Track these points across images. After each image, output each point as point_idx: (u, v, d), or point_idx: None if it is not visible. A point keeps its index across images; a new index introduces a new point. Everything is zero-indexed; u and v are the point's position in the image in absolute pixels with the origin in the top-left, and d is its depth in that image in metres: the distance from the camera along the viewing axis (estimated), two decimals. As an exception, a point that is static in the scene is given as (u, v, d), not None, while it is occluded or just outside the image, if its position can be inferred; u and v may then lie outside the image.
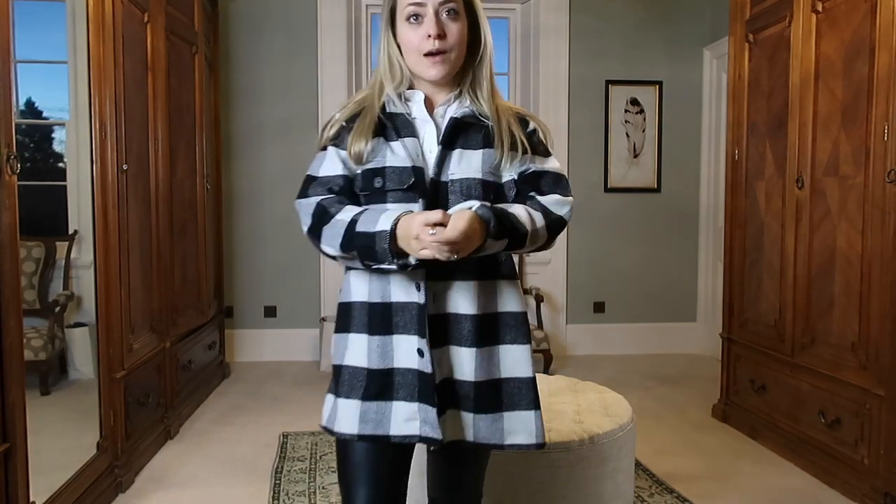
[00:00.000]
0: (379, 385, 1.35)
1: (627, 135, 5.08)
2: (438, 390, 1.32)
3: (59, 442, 2.59)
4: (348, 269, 1.40)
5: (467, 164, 1.34)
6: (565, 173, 1.45)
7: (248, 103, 4.75)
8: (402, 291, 1.34)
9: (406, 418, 1.33)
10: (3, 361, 1.88)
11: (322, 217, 1.32)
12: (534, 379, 1.41)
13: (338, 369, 1.39)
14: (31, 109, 3.11)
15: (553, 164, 1.43)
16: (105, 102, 2.61)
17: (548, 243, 1.39)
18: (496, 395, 1.38)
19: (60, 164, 3.17)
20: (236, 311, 4.87)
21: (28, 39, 2.61)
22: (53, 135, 3.20)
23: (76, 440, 2.58)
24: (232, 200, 4.78)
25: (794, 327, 3.06)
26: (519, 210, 1.33)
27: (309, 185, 1.38)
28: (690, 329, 5.20)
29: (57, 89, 3.00)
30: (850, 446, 2.70)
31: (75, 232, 3.05)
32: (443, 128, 1.37)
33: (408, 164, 1.33)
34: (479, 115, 1.38)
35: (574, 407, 2.28)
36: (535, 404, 1.40)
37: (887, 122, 2.49)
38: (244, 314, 4.88)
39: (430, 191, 1.32)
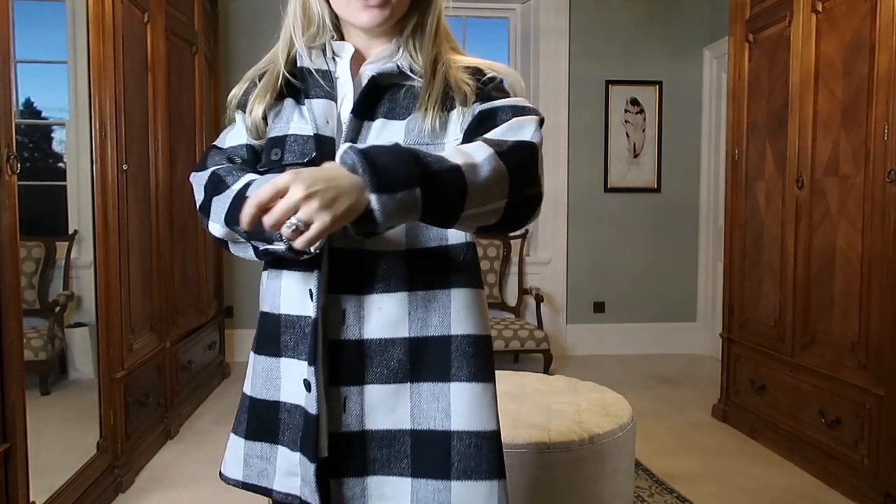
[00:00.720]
0: (262, 421, 1.05)
1: (627, 135, 5.08)
2: (341, 445, 0.99)
3: (59, 442, 2.58)
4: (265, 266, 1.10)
5: (388, 138, 1.00)
6: (533, 109, 1.00)
7: (248, 103, 4.74)
8: (294, 300, 1.02)
9: (287, 471, 1.03)
10: (3, 361, 1.88)
11: (215, 188, 1.01)
12: (498, 434, 1.02)
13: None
14: (30, 109, 3.11)
15: (512, 100, 1.01)
16: (105, 102, 2.61)
17: (519, 187, 0.88)
18: (442, 454, 0.99)
19: (60, 164, 3.17)
20: (236, 311, 4.87)
21: (28, 39, 2.61)
22: (53, 135, 3.20)
23: (76, 440, 2.58)
24: (232, 200, 4.77)
25: (794, 327, 3.07)
26: (444, 151, 0.89)
27: (208, 155, 1.10)
28: (690, 329, 5.20)
29: (57, 89, 3.00)
30: (850, 446, 2.70)
31: (75, 232, 3.05)
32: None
33: (311, 132, 1.00)
34: (411, 71, 1.03)
35: (574, 407, 2.28)
36: (498, 471, 1.00)
37: (887, 122, 2.49)
38: (244, 314, 4.87)
39: None
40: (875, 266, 2.58)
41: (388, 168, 0.78)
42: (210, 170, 1.05)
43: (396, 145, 0.83)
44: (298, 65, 1.07)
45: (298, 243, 0.77)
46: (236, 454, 1.08)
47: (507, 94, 1.03)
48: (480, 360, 1.02)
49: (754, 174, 3.41)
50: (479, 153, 0.86)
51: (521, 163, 0.89)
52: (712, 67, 5.06)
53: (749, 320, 3.45)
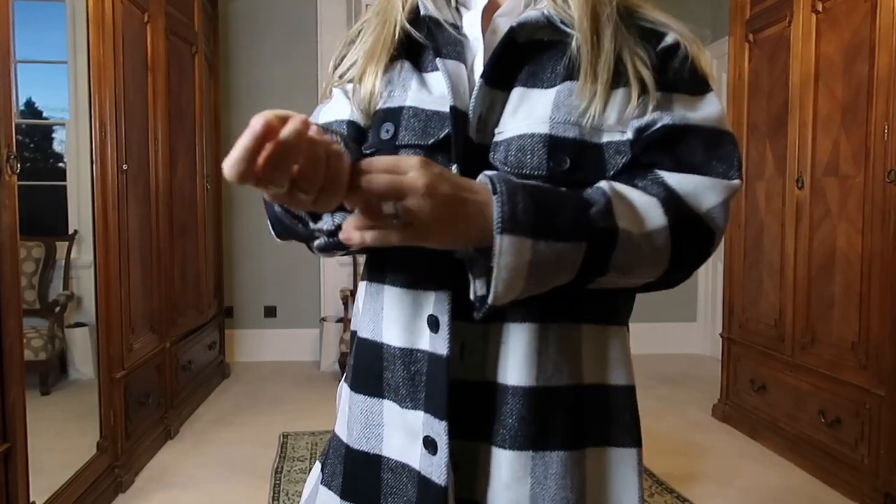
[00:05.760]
0: (359, 478, 0.81)
1: (627, 135, 5.08)
2: None
3: (59, 442, 2.59)
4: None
5: (528, 112, 0.75)
6: (729, 127, 0.79)
7: (248, 103, 4.74)
8: (397, 327, 0.78)
9: None
10: (3, 361, 1.88)
11: None
12: None
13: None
14: (31, 109, 3.12)
15: (708, 109, 0.78)
16: (105, 102, 2.61)
17: (672, 268, 0.76)
18: None
19: (60, 164, 3.17)
20: (236, 311, 4.87)
21: (28, 39, 2.62)
22: (53, 135, 3.20)
23: (76, 440, 2.59)
24: (232, 200, 4.78)
25: (794, 327, 3.07)
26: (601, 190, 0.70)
27: None
28: (690, 329, 5.20)
29: (57, 89, 3.01)
30: (850, 446, 2.70)
31: (75, 232, 3.06)
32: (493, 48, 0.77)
33: (443, 105, 0.75)
34: (562, 22, 0.76)
35: (574, 407, 2.28)
36: None
37: (887, 122, 2.49)
38: (244, 314, 4.87)
39: (459, 153, 0.74)
40: (875, 266, 2.58)
41: (549, 205, 0.63)
42: None
43: (547, 188, 0.65)
44: (422, 13, 0.81)
45: (356, 237, 0.60)
46: None
47: (693, 76, 0.81)
48: (622, 416, 0.80)
49: (754, 174, 3.41)
50: (651, 218, 0.69)
51: (688, 242, 0.73)
52: (712, 67, 5.05)
53: (749, 320, 3.45)
